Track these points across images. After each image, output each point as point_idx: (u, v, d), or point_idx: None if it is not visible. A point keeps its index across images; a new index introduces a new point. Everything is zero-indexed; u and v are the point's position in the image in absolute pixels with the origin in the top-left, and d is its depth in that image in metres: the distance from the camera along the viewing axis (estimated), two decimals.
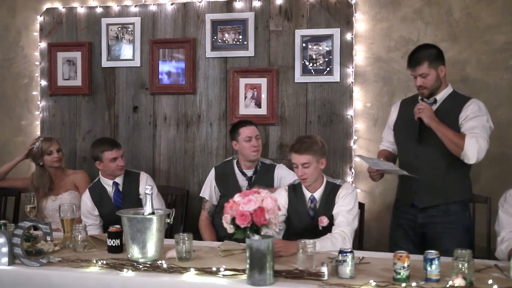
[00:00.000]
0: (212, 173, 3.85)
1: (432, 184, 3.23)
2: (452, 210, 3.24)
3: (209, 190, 3.82)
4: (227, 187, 3.70)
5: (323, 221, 3.10)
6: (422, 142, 3.23)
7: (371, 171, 3.36)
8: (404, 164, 3.36)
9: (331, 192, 3.15)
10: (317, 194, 3.18)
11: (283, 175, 3.69)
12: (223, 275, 2.46)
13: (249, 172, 3.72)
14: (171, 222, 2.83)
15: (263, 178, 3.68)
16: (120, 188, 3.76)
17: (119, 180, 3.77)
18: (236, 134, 3.69)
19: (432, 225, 3.25)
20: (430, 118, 3.16)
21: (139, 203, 3.61)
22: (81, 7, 4.61)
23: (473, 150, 3.08)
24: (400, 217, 3.42)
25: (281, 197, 3.20)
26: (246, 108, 4.31)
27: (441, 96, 3.28)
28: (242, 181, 3.72)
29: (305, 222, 3.17)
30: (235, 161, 3.79)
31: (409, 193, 3.33)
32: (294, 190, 3.24)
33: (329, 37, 4.14)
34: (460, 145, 3.09)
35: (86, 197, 3.77)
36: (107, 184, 3.77)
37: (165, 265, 2.58)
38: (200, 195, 3.90)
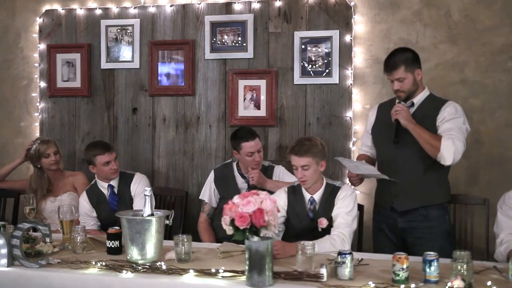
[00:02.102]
0: (211, 175, 3.85)
1: (411, 187, 3.23)
2: (432, 214, 3.23)
3: (208, 192, 3.82)
4: (227, 189, 3.70)
5: (323, 222, 3.10)
6: (399, 143, 3.23)
7: (351, 176, 3.38)
8: (383, 168, 3.37)
9: (330, 194, 3.15)
10: (317, 196, 3.18)
11: (282, 176, 3.70)
12: (222, 276, 2.46)
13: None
14: (170, 224, 2.83)
15: None
16: (115, 190, 3.76)
17: (114, 183, 3.77)
18: (238, 146, 3.63)
19: (411, 230, 3.25)
20: (406, 120, 3.16)
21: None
22: (80, 8, 4.62)
23: (449, 151, 3.07)
24: (380, 222, 3.43)
25: (281, 199, 3.20)
26: (245, 110, 4.31)
27: (418, 99, 3.28)
28: (242, 184, 3.72)
29: (305, 223, 3.17)
30: (235, 164, 3.78)
31: (389, 196, 3.34)
32: (294, 192, 3.24)
33: (328, 39, 4.14)
34: (436, 146, 3.09)
35: (84, 199, 3.78)
36: (103, 187, 3.78)
37: (164, 267, 2.58)
38: (200, 197, 3.89)
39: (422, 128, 3.14)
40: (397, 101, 3.32)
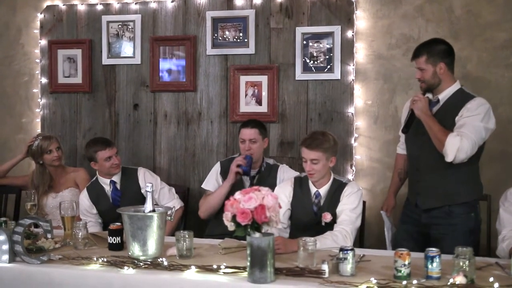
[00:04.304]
0: (217, 166, 3.83)
1: (434, 186, 3.18)
2: (456, 212, 3.15)
3: (213, 182, 3.77)
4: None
5: (327, 217, 3.11)
6: (407, 133, 3.21)
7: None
8: (409, 163, 3.36)
9: (336, 190, 3.15)
10: (323, 191, 3.18)
11: (286, 176, 3.67)
12: (223, 272, 2.46)
13: (253, 172, 3.70)
14: (172, 220, 2.83)
15: (266, 179, 3.66)
16: (118, 186, 3.77)
17: (116, 178, 3.78)
18: (239, 132, 3.72)
19: (435, 226, 3.20)
20: (420, 110, 3.10)
21: (138, 200, 3.61)
22: (82, 4, 4.61)
23: (452, 148, 2.98)
24: (406, 216, 3.40)
25: (286, 190, 3.21)
26: (246, 106, 4.30)
27: (445, 94, 3.20)
28: (245, 180, 3.71)
29: (309, 216, 3.17)
30: None
31: (413, 193, 3.32)
32: (300, 184, 3.24)
33: (330, 34, 4.13)
34: (442, 140, 3.01)
35: (84, 196, 3.78)
36: (105, 183, 3.78)
37: (165, 263, 2.57)
38: (203, 186, 3.83)
39: (434, 121, 3.07)
40: (426, 95, 3.26)
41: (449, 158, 3.02)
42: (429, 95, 3.24)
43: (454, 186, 3.16)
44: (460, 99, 3.15)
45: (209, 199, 3.70)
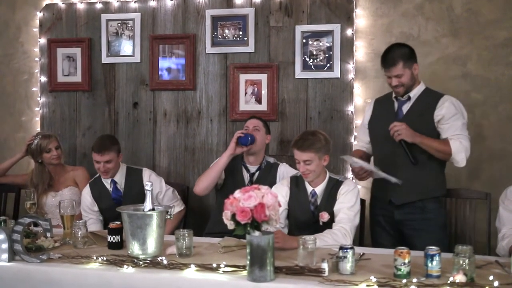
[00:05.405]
0: None
1: (408, 181, 3.22)
2: (429, 207, 3.26)
3: None
4: (233, 176, 3.68)
5: (324, 216, 3.10)
6: (418, 162, 3.20)
7: (359, 170, 3.32)
8: (380, 163, 3.36)
9: (333, 188, 3.15)
10: (319, 189, 3.17)
11: (286, 175, 3.67)
12: (223, 271, 2.46)
13: (253, 169, 3.70)
14: (171, 219, 2.82)
15: (266, 176, 3.65)
16: (118, 186, 3.76)
17: (117, 178, 3.76)
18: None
19: (408, 222, 3.27)
20: (411, 137, 3.16)
21: (141, 200, 3.60)
22: (81, 2, 4.60)
23: (460, 153, 3.15)
24: (377, 214, 3.44)
25: (282, 190, 3.21)
26: (246, 104, 4.30)
27: (414, 93, 3.30)
28: (247, 178, 3.70)
29: (306, 216, 3.17)
30: (240, 156, 3.76)
31: (386, 190, 3.33)
32: (296, 183, 3.24)
33: (330, 33, 4.12)
34: (447, 151, 3.16)
35: (86, 193, 3.77)
36: (106, 181, 3.77)
37: (165, 262, 2.57)
38: None
39: (429, 138, 3.18)
40: (394, 96, 3.35)
41: (461, 163, 3.20)
42: (400, 98, 3.33)
43: (428, 180, 3.27)
44: (429, 97, 3.28)
45: (207, 171, 3.68)
